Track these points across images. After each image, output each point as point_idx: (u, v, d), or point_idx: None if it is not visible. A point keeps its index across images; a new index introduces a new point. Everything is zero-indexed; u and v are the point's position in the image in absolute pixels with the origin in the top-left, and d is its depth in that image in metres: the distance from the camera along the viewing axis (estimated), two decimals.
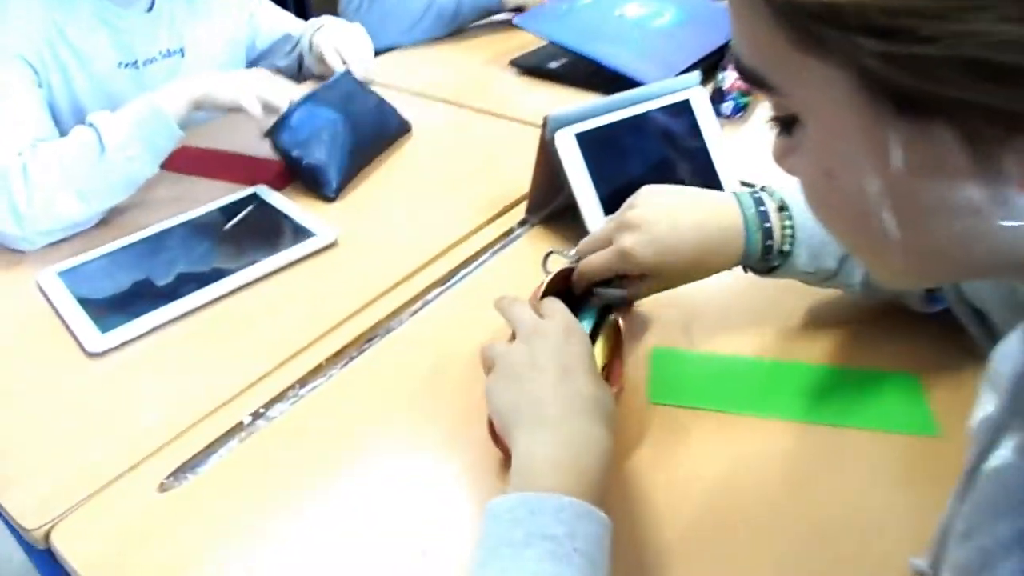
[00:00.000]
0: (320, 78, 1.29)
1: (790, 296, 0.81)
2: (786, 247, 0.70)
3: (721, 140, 1.00)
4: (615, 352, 0.70)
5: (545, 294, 0.68)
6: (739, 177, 1.02)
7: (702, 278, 0.72)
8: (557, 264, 0.73)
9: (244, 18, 1.32)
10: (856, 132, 0.31)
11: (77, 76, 1.09)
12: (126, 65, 1.13)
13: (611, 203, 0.91)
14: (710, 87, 1.18)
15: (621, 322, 0.72)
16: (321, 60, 1.28)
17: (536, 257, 0.79)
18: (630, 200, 0.72)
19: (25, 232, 0.94)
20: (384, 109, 1.19)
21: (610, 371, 0.69)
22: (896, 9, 0.26)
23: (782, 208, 0.70)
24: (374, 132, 1.15)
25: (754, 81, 0.35)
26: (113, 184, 0.97)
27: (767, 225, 0.69)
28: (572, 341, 0.60)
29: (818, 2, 0.29)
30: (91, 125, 0.96)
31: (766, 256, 0.70)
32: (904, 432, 0.68)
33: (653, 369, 0.75)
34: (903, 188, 0.31)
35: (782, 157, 0.39)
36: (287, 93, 1.04)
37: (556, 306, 0.64)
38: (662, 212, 0.69)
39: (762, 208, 0.70)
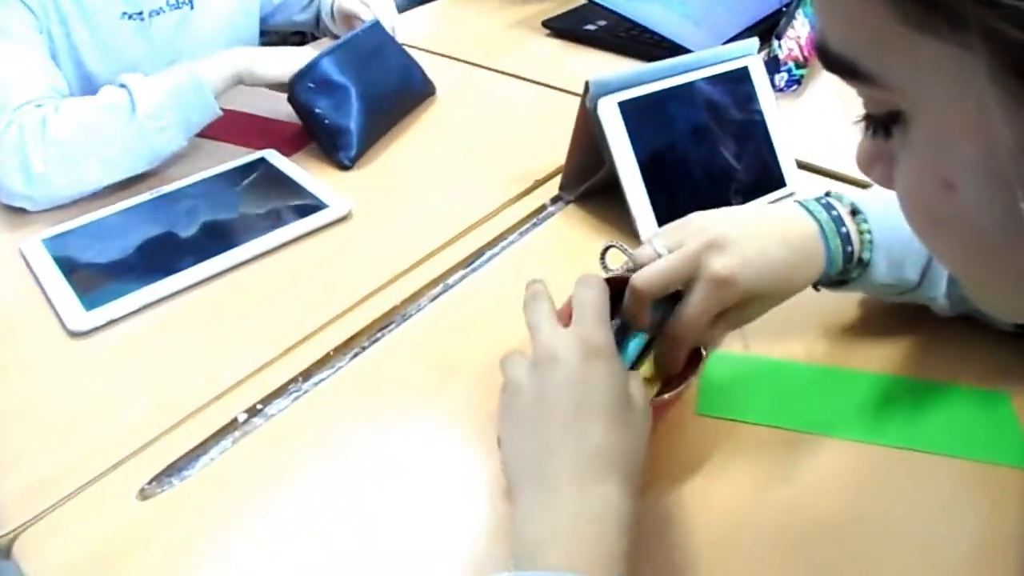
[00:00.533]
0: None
1: (858, 295, 0.71)
2: (865, 254, 0.60)
3: (778, 114, 0.90)
4: (680, 379, 0.58)
5: None
6: (796, 156, 0.91)
7: (784, 300, 0.59)
8: (618, 261, 0.61)
9: None
10: (988, 134, 0.24)
11: (78, 27, 1.00)
12: (130, 16, 1.05)
13: (656, 180, 0.81)
14: (763, 55, 1.08)
15: (705, 351, 0.58)
16: (345, 19, 1.18)
17: (571, 238, 0.70)
18: (683, 225, 0.58)
19: (34, 193, 0.86)
20: (410, 68, 1.09)
21: (658, 408, 0.55)
22: None
23: (855, 212, 0.61)
24: (398, 94, 1.06)
25: (845, 70, 0.28)
26: (138, 154, 0.90)
27: (843, 230, 0.59)
28: (593, 369, 0.47)
29: None
30: (123, 86, 0.89)
31: (847, 265, 0.60)
32: (992, 461, 0.59)
33: (703, 377, 0.66)
34: None
35: (872, 163, 0.32)
36: None
37: (586, 312, 0.51)
38: (742, 229, 0.56)
39: (834, 213, 0.60)
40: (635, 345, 0.58)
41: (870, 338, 0.69)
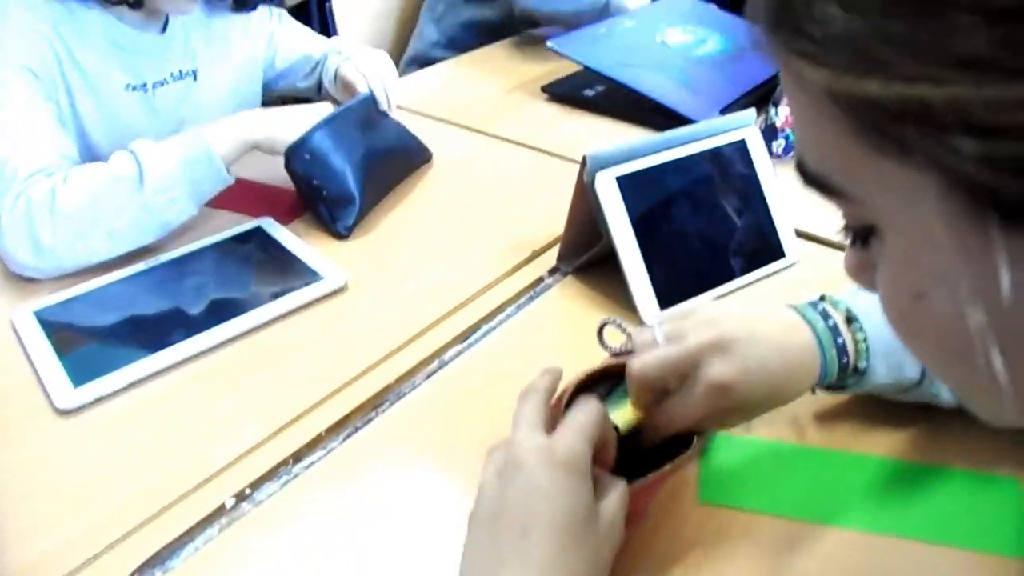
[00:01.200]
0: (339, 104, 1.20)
1: None
2: (861, 363, 0.59)
3: (776, 184, 0.90)
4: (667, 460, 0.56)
5: (580, 390, 0.57)
6: (795, 225, 0.91)
7: (776, 407, 0.58)
8: (615, 339, 0.59)
9: (263, 38, 1.24)
10: (951, 248, 0.26)
11: (83, 98, 1.00)
12: (134, 88, 1.05)
13: (654, 254, 0.81)
14: (760, 122, 1.08)
15: (697, 441, 0.55)
16: (345, 88, 1.19)
17: (569, 311, 0.69)
18: (688, 314, 0.57)
19: (42, 264, 0.85)
20: (405, 136, 1.10)
21: (644, 489, 0.53)
22: (1003, 102, 0.22)
23: (850, 320, 0.60)
24: (394, 162, 1.06)
25: (822, 188, 0.30)
26: (147, 227, 0.88)
27: (840, 340, 0.58)
28: (555, 481, 0.45)
29: (900, 98, 0.24)
30: (133, 154, 0.88)
31: (841, 374, 0.59)
32: (1007, 555, 0.57)
33: (704, 461, 0.64)
34: (1015, 318, 0.26)
35: (858, 271, 0.34)
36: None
37: (570, 424, 0.49)
38: (746, 332, 0.55)
39: (831, 322, 0.59)
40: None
41: (874, 420, 0.67)
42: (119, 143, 0.95)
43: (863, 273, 0.34)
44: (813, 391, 0.61)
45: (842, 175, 0.30)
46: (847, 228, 0.33)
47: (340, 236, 0.95)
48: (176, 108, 1.10)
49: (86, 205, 0.85)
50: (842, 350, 0.58)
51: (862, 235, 0.32)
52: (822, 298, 0.61)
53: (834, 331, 0.58)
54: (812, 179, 0.31)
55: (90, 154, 1.02)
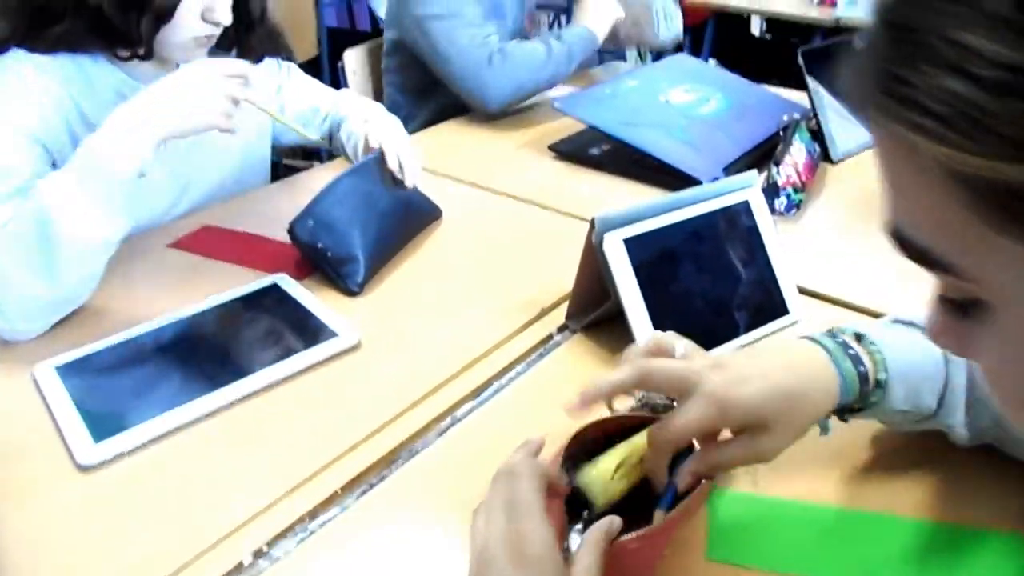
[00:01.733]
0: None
1: (869, 431, 0.72)
2: (881, 375, 0.61)
3: (778, 242, 0.92)
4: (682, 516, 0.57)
5: (576, 440, 0.59)
6: (798, 282, 0.93)
7: (800, 432, 0.58)
8: (625, 405, 0.61)
9: (272, 91, 1.27)
10: None
11: None
12: None
13: (661, 313, 0.83)
14: (762, 181, 1.11)
15: (706, 484, 0.56)
16: (367, 151, 1.17)
17: (578, 369, 0.71)
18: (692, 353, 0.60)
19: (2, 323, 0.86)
20: (414, 194, 1.12)
21: (658, 536, 0.55)
22: None
23: (859, 337, 0.62)
24: (403, 220, 1.09)
25: (923, 260, 0.29)
26: (69, 255, 0.84)
27: (851, 352, 0.60)
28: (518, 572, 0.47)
29: None
30: (39, 195, 0.84)
31: (863, 387, 0.60)
32: None
33: (712, 517, 0.66)
34: None
35: (944, 336, 0.33)
36: (242, 69, 0.95)
37: (521, 508, 0.50)
38: (743, 357, 0.59)
39: (839, 339, 0.61)
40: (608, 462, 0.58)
41: (882, 476, 0.69)
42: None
43: (949, 337, 0.33)
44: (842, 417, 0.63)
45: (952, 249, 0.28)
46: (943, 299, 0.32)
47: (352, 293, 0.97)
48: (186, 157, 1.13)
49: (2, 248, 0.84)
50: (857, 360, 0.60)
51: (963, 306, 0.31)
52: (829, 331, 0.63)
53: (844, 345, 0.60)
54: (913, 251, 0.30)
55: None
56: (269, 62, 1.24)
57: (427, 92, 1.65)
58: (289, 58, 1.28)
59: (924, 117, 0.26)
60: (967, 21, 0.25)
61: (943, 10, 0.25)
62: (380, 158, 1.10)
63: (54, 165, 0.97)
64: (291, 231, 0.98)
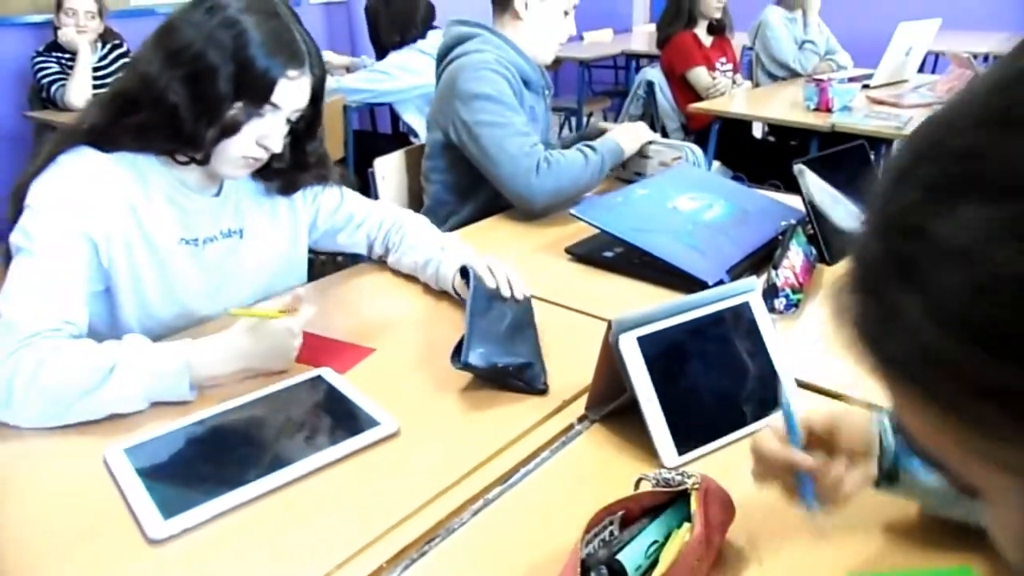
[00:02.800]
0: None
1: (884, 530, 0.79)
2: None
3: (777, 339, 1.02)
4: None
5: (606, 511, 0.68)
6: (797, 375, 1.02)
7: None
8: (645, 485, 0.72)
9: (309, 203, 1.37)
10: None
11: (139, 250, 1.14)
12: (187, 242, 1.19)
13: (673, 406, 0.92)
14: (762, 283, 1.21)
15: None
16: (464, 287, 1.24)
17: (597, 457, 0.79)
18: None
19: (5, 417, 0.96)
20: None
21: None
22: None
23: None
24: (524, 320, 1.18)
25: (933, 463, 0.35)
26: (94, 411, 0.97)
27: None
28: None
29: None
30: (118, 348, 0.99)
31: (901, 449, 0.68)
32: None
33: None
34: None
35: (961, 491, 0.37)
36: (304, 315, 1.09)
37: None
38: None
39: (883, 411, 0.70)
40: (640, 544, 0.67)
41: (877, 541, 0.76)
42: (168, 291, 1.09)
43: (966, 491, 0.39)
44: (877, 483, 0.70)
45: (952, 460, 0.32)
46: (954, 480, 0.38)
47: (541, 392, 1.04)
48: (222, 263, 1.23)
49: (59, 386, 0.95)
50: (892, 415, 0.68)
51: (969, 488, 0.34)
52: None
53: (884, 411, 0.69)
54: (924, 456, 0.37)
55: (139, 299, 1.15)
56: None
57: (471, 190, 1.80)
58: (324, 182, 1.34)
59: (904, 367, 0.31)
60: (925, 304, 0.29)
61: (907, 288, 0.30)
62: (479, 279, 1.17)
63: (97, 255, 1.09)
64: (465, 365, 1.01)
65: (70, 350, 0.98)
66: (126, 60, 3.35)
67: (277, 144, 1.13)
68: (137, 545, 0.81)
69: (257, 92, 1.06)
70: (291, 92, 1.09)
